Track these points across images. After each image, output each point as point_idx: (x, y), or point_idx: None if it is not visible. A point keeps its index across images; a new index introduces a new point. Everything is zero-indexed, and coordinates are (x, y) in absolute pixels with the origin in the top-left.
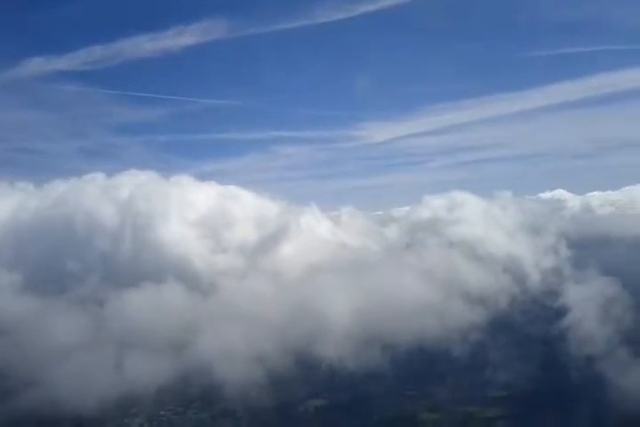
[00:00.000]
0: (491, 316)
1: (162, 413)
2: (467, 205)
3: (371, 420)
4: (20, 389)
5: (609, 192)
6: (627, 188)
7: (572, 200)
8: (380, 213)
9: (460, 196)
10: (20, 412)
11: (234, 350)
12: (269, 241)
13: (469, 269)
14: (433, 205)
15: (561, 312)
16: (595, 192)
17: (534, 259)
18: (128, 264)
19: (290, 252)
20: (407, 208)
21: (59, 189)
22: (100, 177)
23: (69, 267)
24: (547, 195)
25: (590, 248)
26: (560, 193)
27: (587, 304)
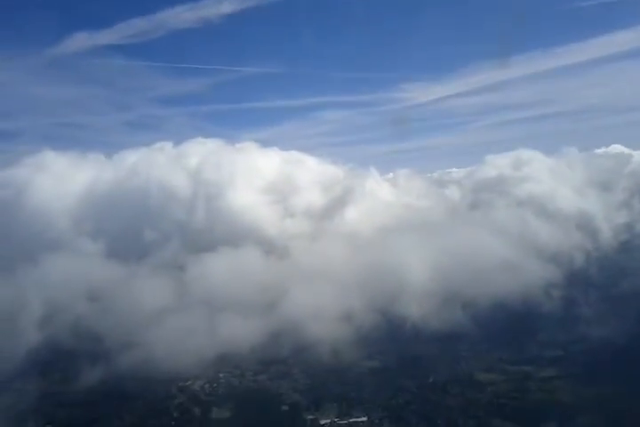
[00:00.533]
0: (565, 272)
1: (221, 375)
2: (532, 162)
3: (426, 381)
4: (118, 350)
5: None
6: None
7: (637, 155)
8: (433, 174)
9: (525, 153)
10: (120, 371)
11: (316, 310)
12: (336, 204)
13: (541, 226)
14: (497, 164)
15: (635, 268)
16: None
17: (606, 215)
18: (203, 231)
19: (357, 214)
20: (465, 169)
21: (129, 159)
22: (167, 146)
23: (147, 235)
24: (602, 151)
25: None
26: (617, 148)
27: None
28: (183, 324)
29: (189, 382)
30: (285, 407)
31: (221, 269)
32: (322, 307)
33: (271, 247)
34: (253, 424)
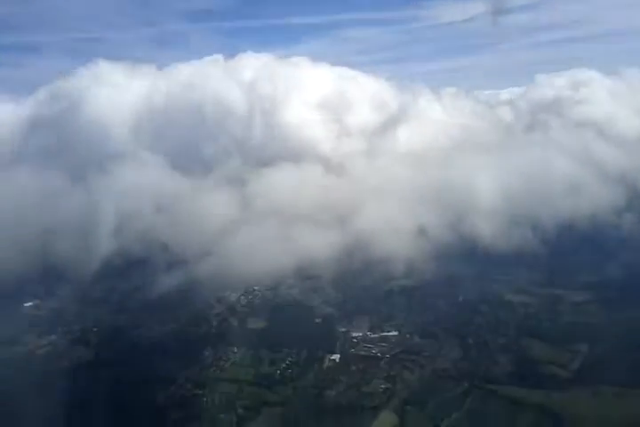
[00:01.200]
0: (630, 196)
1: (256, 288)
2: (591, 83)
3: (456, 300)
4: (184, 260)
5: None
6: None
7: None
8: (479, 95)
9: (582, 74)
10: (181, 281)
11: (380, 226)
12: (391, 122)
13: (603, 149)
14: (552, 85)
15: None
16: None
17: None
18: (260, 146)
19: (412, 133)
20: (510, 89)
21: (182, 72)
22: (219, 59)
23: (206, 149)
24: None
25: None
26: None
27: None
28: (248, 236)
29: (227, 294)
30: (318, 320)
31: (284, 184)
32: (385, 223)
33: (329, 165)
34: (288, 334)
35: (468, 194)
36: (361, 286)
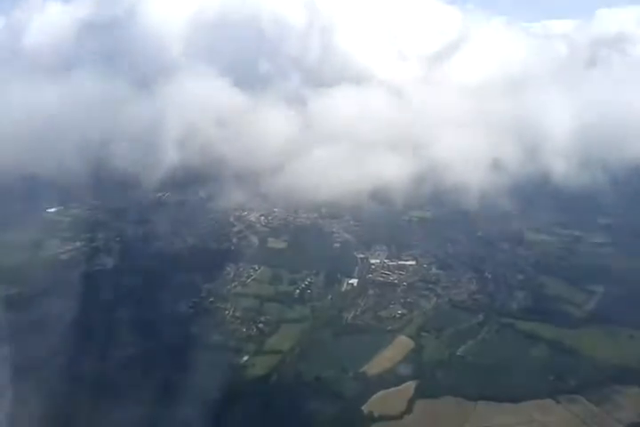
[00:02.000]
0: None
1: (275, 210)
2: None
3: (474, 235)
4: (241, 175)
5: None
6: None
7: None
8: (533, 25)
9: None
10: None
11: (446, 155)
12: (450, 49)
13: None
14: (614, 20)
15: None
16: None
17: None
18: (319, 66)
19: (471, 61)
20: (567, 21)
21: None
22: None
23: (264, 65)
24: None
25: None
26: None
27: None
28: (308, 157)
29: (245, 213)
30: (337, 245)
31: (345, 107)
32: (451, 152)
33: (391, 90)
34: (307, 256)
35: (537, 128)
36: (380, 215)
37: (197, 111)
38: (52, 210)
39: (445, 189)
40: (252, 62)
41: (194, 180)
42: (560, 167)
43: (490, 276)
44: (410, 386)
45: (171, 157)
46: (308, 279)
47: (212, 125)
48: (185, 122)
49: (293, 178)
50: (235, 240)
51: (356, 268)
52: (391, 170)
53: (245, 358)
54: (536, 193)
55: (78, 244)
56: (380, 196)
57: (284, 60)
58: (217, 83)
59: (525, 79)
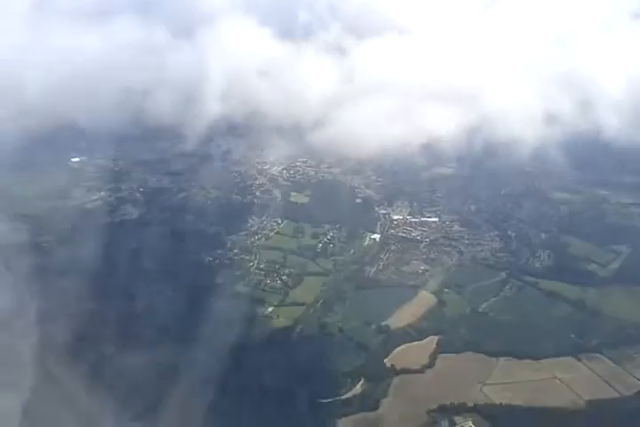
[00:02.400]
0: None
1: (298, 164)
2: None
3: (498, 193)
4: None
5: None
6: None
7: None
8: None
9: None
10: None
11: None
12: None
13: None
14: None
15: None
16: None
17: None
18: (359, 16)
19: (520, 10)
20: None
21: None
22: None
23: (302, 14)
24: None
25: None
26: None
27: None
28: (351, 108)
29: (268, 167)
30: (359, 200)
31: (388, 56)
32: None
33: (437, 40)
34: (329, 211)
35: (590, 82)
36: (402, 172)
37: (238, 61)
38: (77, 159)
39: (497, 143)
40: (292, 12)
41: (229, 131)
42: (613, 123)
43: (513, 234)
44: (432, 341)
45: (210, 107)
46: (331, 234)
47: (252, 76)
48: (225, 72)
49: (335, 130)
50: (257, 193)
51: (378, 223)
52: (439, 123)
53: (270, 308)
54: (580, 149)
55: (103, 194)
56: (426, 149)
57: (324, 9)
58: (257, 33)
59: (578, 30)
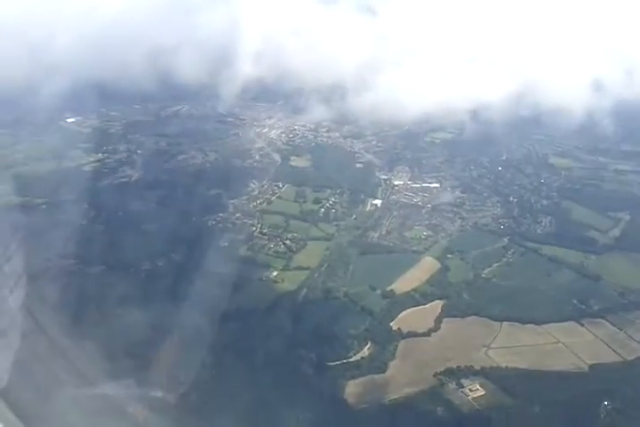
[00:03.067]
0: None
1: (296, 127)
2: None
3: (499, 158)
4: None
5: None
6: None
7: None
8: None
9: None
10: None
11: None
12: None
13: None
14: None
15: None
16: None
17: None
18: None
19: None
20: None
21: None
22: None
23: None
24: None
25: None
26: None
27: None
28: (390, 72)
29: (266, 130)
30: (360, 165)
31: (421, 18)
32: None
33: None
34: (330, 176)
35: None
36: (401, 135)
37: (271, 22)
38: (71, 120)
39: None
40: None
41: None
42: None
43: (514, 200)
44: (437, 305)
45: (239, 69)
46: (332, 198)
47: (285, 37)
48: (258, 33)
49: (370, 95)
50: (257, 157)
51: (380, 189)
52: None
53: (275, 273)
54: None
55: (100, 155)
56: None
57: None
58: None
59: None
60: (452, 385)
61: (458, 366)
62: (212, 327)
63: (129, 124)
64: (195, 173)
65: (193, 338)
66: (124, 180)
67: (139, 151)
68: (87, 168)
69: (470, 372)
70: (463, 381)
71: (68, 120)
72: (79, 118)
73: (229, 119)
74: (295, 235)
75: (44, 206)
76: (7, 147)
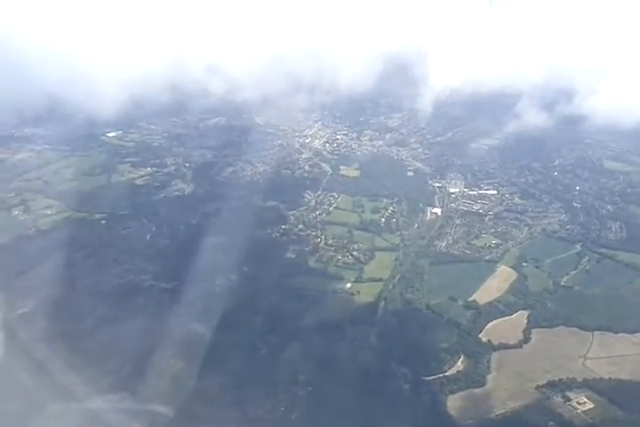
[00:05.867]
0: None
1: (338, 137)
2: None
3: (551, 164)
4: None
5: None
6: None
7: None
8: None
9: None
10: None
11: None
12: None
13: None
14: None
15: None
16: None
17: None
18: None
19: None
20: None
21: None
22: None
23: None
24: None
25: None
26: None
27: None
28: None
29: (309, 140)
30: (411, 173)
31: None
32: None
33: None
34: (384, 184)
35: None
36: (446, 143)
37: None
38: (112, 134)
39: None
40: None
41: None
42: None
43: (578, 206)
44: (522, 316)
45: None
46: (391, 208)
47: None
48: None
49: None
50: (306, 167)
51: (436, 197)
52: None
53: (348, 285)
54: None
55: (149, 169)
56: None
57: None
58: None
59: None
60: (558, 398)
61: (560, 379)
62: (299, 342)
63: (171, 137)
64: (247, 185)
65: (285, 352)
66: (177, 193)
67: (186, 164)
68: (139, 182)
69: (573, 384)
70: (568, 393)
71: (109, 135)
72: (119, 132)
73: (269, 130)
74: (361, 245)
75: (103, 222)
76: (54, 162)
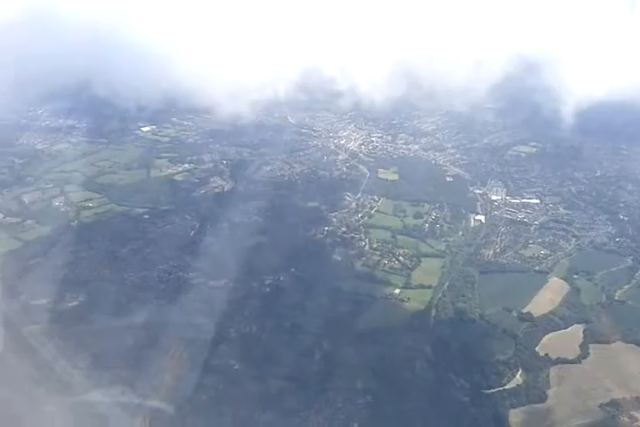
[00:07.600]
0: None
1: (374, 138)
2: None
3: (593, 174)
4: None
5: None
6: None
7: None
8: None
9: None
10: None
11: None
12: None
13: None
14: None
15: None
16: None
17: None
18: None
19: None
20: None
21: None
22: None
23: None
24: None
25: None
26: None
27: None
28: None
29: (344, 141)
30: (450, 179)
31: None
32: None
33: None
34: (424, 189)
35: None
36: (484, 149)
37: None
38: (146, 129)
39: None
40: None
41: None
42: None
43: (626, 218)
44: (578, 329)
45: None
46: (433, 213)
47: None
48: None
49: None
50: (344, 169)
51: (478, 204)
52: None
53: (397, 290)
54: None
55: (187, 165)
56: None
57: None
58: None
59: None
60: (625, 418)
61: (623, 397)
62: (354, 348)
63: (205, 133)
64: (286, 185)
65: (340, 358)
66: (217, 190)
67: (224, 161)
68: (178, 178)
69: (639, 403)
70: (633, 413)
71: (144, 129)
72: (154, 127)
73: (303, 130)
74: (406, 251)
75: (146, 216)
76: (90, 155)
